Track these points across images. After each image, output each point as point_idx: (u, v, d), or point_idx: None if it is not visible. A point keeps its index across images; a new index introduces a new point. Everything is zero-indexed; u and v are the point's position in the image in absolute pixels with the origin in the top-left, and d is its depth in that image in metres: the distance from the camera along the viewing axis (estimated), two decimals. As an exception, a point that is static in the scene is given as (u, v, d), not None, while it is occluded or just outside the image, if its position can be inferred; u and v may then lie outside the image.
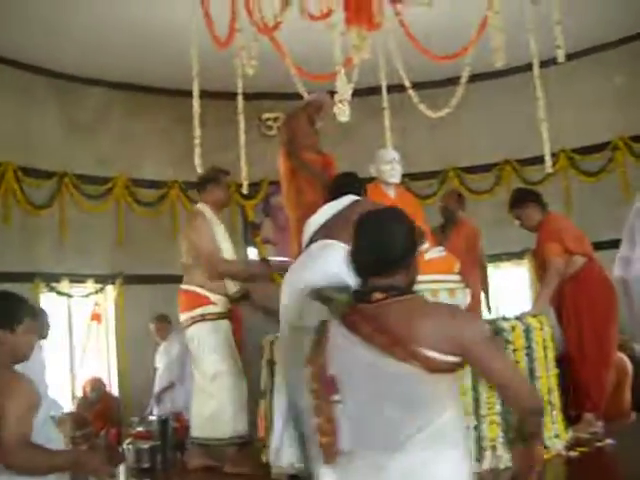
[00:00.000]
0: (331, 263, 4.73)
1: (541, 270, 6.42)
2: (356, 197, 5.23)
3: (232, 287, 5.90)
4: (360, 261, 2.86)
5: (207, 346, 5.73)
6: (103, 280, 10.37)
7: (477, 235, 8.12)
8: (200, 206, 6.07)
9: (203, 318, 5.73)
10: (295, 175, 6.39)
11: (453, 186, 11.11)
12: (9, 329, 3.23)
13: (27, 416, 3.14)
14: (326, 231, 5.07)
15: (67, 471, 3.31)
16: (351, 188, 5.30)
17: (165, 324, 9.19)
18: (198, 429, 5.78)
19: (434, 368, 2.60)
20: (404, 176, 6.79)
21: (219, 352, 5.74)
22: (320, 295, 3.93)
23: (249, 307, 6.20)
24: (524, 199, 6.64)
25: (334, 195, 5.23)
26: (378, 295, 2.76)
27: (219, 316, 5.80)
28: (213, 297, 5.78)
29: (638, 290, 5.23)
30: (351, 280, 4.72)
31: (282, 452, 4.89)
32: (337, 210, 5.21)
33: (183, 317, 5.86)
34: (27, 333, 3.30)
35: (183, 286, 5.89)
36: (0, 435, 3.03)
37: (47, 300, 9.73)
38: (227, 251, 5.94)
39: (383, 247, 2.78)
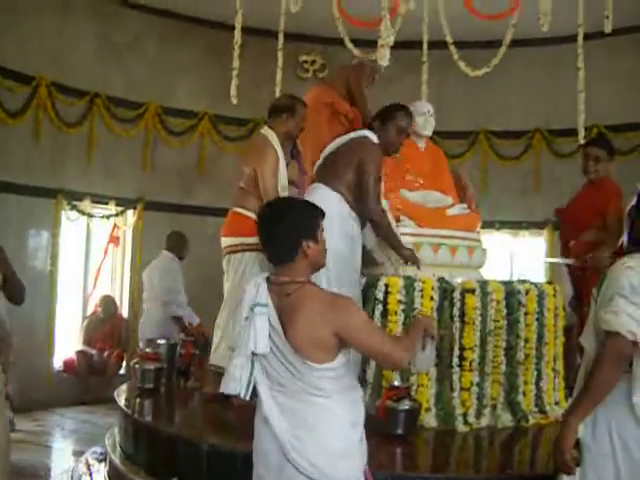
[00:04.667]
0: None
1: (585, 223, 6.07)
2: (361, 133, 5.27)
3: None
4: None
5: (252, 276, 5.38)
6: (125, 203, 10.43)
7: None
8: (268, 134, 5.64)
9: (255, 247, 5.39)
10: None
11: (483, 148, 11.07)
12: (313, 239, 3.02)
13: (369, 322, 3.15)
14: (320, 171, 5.18)
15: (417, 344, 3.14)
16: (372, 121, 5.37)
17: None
18: (219, 357, 5.55)
19: None
20: (435, 133, 6.77)
21: None
22: None
23: None
24: (614, 152, 6.56)
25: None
26: None
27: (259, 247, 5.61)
28: None
29: None
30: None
31: None
32: (337, 146, 5.32)
33: (233, 241, 5.61)
34: (323, 238, 3.08)
35: (239, 210, 5.59)
36: (375, 349, 2.98)
37: (68, 218, 9.80)
38: (284, 188, 5.64)
39: None
